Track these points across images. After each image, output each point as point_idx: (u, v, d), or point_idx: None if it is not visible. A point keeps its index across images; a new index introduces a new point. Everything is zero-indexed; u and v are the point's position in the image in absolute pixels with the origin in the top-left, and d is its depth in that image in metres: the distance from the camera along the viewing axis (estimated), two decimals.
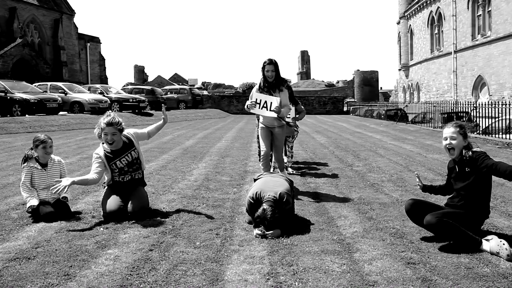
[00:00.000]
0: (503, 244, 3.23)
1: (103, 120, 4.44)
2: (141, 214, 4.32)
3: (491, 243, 3.31)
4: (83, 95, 22.05)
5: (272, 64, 5.23)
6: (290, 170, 7.19)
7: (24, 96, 18.04)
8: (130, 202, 4.39)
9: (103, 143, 4.52)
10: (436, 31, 33.88)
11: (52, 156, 4.63)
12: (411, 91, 40.13)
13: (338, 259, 3.21)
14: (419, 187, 4.02)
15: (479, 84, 26.99)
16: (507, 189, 5.56)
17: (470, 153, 3.60)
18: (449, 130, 3.67)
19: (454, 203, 3.69)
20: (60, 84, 23.20)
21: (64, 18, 37.74)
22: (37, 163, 4.49)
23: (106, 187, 4.57)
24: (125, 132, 4.60)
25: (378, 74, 58.61)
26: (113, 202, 4.31)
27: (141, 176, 4.69)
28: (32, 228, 3.99)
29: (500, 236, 3.55)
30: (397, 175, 6.74)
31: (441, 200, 4.71)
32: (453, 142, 3.63)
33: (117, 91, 26.34)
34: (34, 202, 4.27)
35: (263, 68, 5.27)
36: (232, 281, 2.84)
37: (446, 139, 3.68)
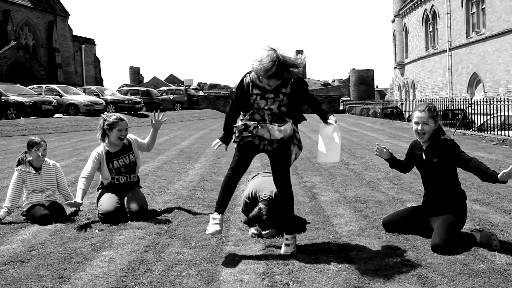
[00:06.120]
0: (492, 235, 3.33)
1: (112, 117, 4.52)
2: (140, 215, 4.31)
3: (481, 234, 3.39)
4: (78, 97, 21.99)
5: None
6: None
7: (19, 98, 17.98)
8: (128, 202, 4.39)
9: (105, 144, 4.58)
10: (431, 29, 33.99)
11: (47, 159, 4.60)
12: (407, 89, 40.22)
13: (334, 257, 3.20)
14: (385, 155, 3.87)
15: (474, 81, 27.09)
16: (503, 185, 5.57)
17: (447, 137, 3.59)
18: (421, 115, 3.54)
19: (428, 203, 3.66)
20: (55, 86, 23.14)
21: (58, 20, 37.57)
22: (31, 167, 4.45)
23: (101, 189, 4.55)
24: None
25: (374, 72, 58.74)
26: (110, 202, 4.29)
27: (136, 179, 4.70)
28: (27, 231, 3.97)
29: (495, 231, 3.56)
30: (393, 173, 6.75)
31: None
32: (425, 127, 3.54)
33: (112, 92, 26.28)
34: (0, 214, 4.24)
35: None
36: (228, 281, 2.83)
37: (417, 123, 3.57)
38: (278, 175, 3.43)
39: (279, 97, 3.34)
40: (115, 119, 4.53)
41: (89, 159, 4.53)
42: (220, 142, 3.58)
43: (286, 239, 3.34)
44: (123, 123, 4.53)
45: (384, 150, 3.87)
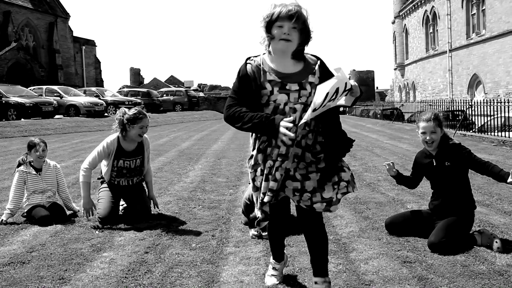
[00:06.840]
0: (494, 237, 3.33)
1: (132, 112, 4.19)
2: (143, 216, 4.31)
3: (482, 236, 3.39)
4: (79, 98, 22.02)
5: None
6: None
7: (20, 100, 17.99)
8: (132, 203, 4.37)
9: (119, 137, 4.28)
10: (431, 30, 34.00)
11: (48, 160, 4.60)
12: (407, 90, 40.22)
13: (334, 259, 3.20)
14: (392, 172, 3.76)
15: (474, 82, 27.09)
16: (503, 186, 5.57)
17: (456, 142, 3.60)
18: (427, 125, 3.54)
19: (438, 207, 3.63)
20: (55, 87, 23.15)
21: (58, 21, 37.60)
22: (31, 168, 4.45)
23: (101, 190, 4.49)
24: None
25: (374, 73, 58.77)
26: (107, 206, 4.22)
27: (138, 181, 4.56)
28: (27, 232, 3.97)
29: (495, 233, 3.56)
30: None
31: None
32: (433, 136, 3.54)
33: (112, 93, 26.35)
34: (4, 216, 4.24)
35: None
36: (228, 282, 2.83)
37: (424, 133, 3.57)
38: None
39: (305, 90, 2.30)
40: (137, 114, 4.16)
41: (98, 148, 4.24)
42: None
43: (316, 282, 2.51)
44: (145, 119, 4.21)
45: (394, 168, 3.79)
